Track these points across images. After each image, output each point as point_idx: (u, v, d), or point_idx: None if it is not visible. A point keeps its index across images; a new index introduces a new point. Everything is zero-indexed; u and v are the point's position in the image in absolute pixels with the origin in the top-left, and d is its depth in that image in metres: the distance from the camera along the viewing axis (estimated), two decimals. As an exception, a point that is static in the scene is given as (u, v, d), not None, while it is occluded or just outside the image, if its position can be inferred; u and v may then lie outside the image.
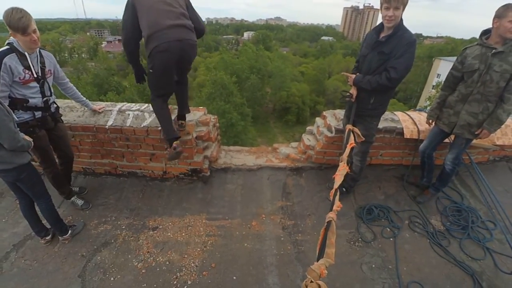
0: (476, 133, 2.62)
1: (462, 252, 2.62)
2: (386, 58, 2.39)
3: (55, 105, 2.61)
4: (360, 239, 2.73)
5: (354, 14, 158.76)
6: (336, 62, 53.23)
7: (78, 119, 3.07)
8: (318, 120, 3.63)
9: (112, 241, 2.66)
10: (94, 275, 2.35)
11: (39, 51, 2.34)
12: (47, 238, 2.58)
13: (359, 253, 2.60)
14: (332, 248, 1.35)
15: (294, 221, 2.91)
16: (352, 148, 2.25)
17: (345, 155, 2.07)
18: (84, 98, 2.93)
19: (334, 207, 1.57)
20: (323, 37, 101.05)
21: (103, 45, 68.08)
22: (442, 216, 3.00)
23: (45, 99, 2.42)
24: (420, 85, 45.53)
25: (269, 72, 36.66)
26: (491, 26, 2.41)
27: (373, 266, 2.48)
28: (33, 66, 2.27)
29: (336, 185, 1.74)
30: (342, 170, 1.89)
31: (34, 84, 2.31)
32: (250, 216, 2.94)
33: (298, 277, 2.37)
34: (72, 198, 2.98)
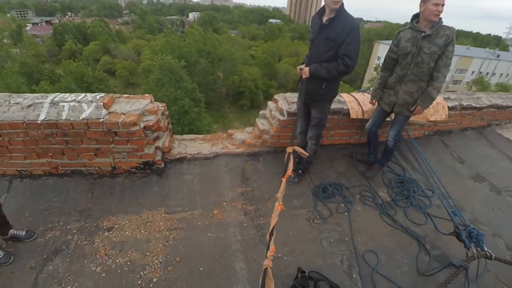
0: (411, 110, 2.89)
1: (407, 219, 2.92)
2: (332, 44, 2.49)
3: None
4: (318, 217, 2.88)
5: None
6: (285, 45, 54.03)
7: (4, 115, 2.65)
8: (270, 104, 3.66)
9: (64, 247, 2.42)
10: (48, 286, 2.13)
11: None
12: None
13: (318, 230, 2.75)
14: None
15: (255, 205, 2.96)
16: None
17: (280, 193, 1.88)
18: None
19: (268, 253, 1.49)
20: (271, 20, 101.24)
21: (28, 28, 59.12)
22: (388, 188, 3.30)
23: None
24: (363, 68, 48.79)
25: (219, 56, 35.81)
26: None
27: (332, 240, 2.66)
28: None
29: (270, 227, 1.64)
30: (276, 211, 1.72)
31: None
32: (211, 205, 2.91)
33: (263, 259, 2.42)
34: None
